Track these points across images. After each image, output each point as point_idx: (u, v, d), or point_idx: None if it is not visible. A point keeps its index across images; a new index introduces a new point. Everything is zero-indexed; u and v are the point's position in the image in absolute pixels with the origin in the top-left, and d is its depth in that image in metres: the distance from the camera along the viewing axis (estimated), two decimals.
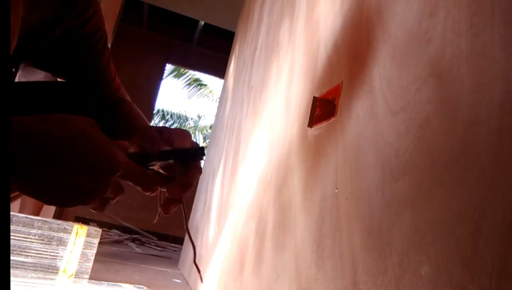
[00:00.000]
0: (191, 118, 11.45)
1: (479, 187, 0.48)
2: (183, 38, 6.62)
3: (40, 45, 0.67)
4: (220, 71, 5.83)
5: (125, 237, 4.31)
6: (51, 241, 1.84)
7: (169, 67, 9.20)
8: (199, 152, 0.59)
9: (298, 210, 1.02)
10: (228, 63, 3.51)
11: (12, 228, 1.77)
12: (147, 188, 0.55)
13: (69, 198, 0.47)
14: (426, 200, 0.57)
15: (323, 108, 0.99)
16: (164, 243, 4.52)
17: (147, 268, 2.78)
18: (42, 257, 1.82)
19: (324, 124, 0.98)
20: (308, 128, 1.06)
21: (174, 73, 9.90)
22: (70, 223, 1.92)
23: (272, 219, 1.20)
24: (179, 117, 11.16)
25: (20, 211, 2.20)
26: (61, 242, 1.86)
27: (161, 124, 10.90)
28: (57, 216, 2.76)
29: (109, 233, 4.36)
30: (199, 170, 0.59)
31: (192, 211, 3.26)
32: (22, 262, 1.78)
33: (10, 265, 1.70)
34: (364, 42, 0.86)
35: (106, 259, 2.75)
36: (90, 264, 1.90)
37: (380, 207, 0.67)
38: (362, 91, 0.83)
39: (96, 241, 1.93)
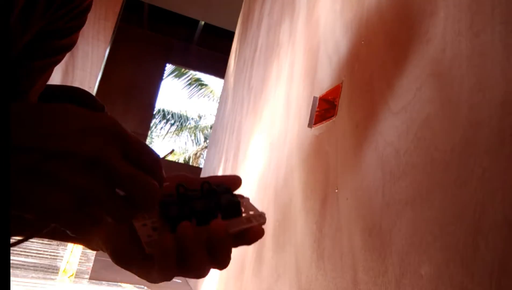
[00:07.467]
0: (192, 118, 11.47)
1: (479, 187, 0.48)
2: (183, 38, 6.63)
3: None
4: (220, 71, 5.83)
5: None
6: (51, 241, 1.85)
7: (169, 67, 9.22)
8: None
9: (298, 210, 1.02)
10: (228, 63, 3.51)
11: None
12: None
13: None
14: (426, 200, 0.57)
15: (323, 108, 0.99)
16: None
17: None
18: (42, 257, 1.82)
19: (324, 124, 0.98)
20: (308, 128, 1.06)
21: (175, 73, 9.92)
22: None
23: (272, 219, 1.19)
24: (180, 117, 11.18)
25: None
26: (61, 242, 1.86)
27: (161, 124, 10.91)
28: None
29: None
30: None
31: None
32: (23, 262, 1.78)
33: (11, 265, 1.70)
34: (364, 42, 0.86)
35: (106, 259, 2.74)
36: (90, 264, 1.90)
37: (380, 207, 0.67)
38: (362, 91, 0.83)
39: None
